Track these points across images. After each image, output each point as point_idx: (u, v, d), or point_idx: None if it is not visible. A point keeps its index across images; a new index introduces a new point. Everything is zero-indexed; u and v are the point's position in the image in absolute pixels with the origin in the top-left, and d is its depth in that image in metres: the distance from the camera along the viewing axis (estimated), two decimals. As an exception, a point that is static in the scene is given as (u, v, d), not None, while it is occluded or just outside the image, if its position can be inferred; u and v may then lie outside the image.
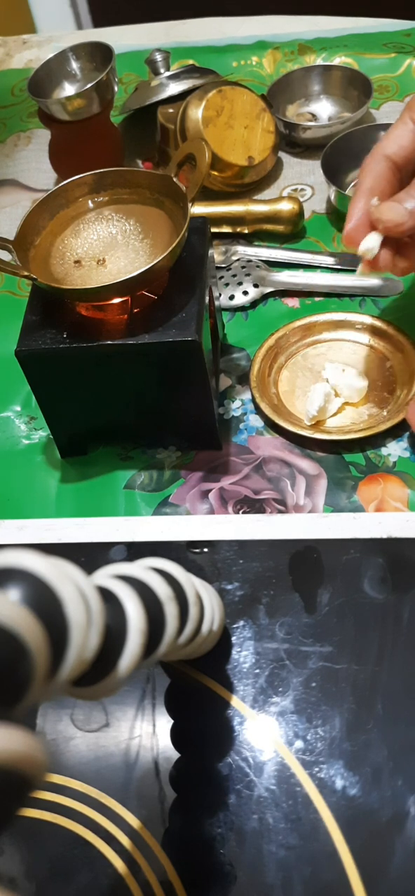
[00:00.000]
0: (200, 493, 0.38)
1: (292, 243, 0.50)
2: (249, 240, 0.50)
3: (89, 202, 0.39)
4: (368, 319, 0.43)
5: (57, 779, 0.28)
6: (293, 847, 0.26)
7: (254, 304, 0.46)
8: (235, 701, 0.29)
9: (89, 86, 0.50)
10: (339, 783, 0.27)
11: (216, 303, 0.42)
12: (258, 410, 0.40)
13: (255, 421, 0.40)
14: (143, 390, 0.38)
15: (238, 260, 0.49)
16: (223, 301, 0.46)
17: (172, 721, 0.29)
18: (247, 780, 0.27)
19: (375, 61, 0.61)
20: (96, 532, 0.35)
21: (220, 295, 0.44)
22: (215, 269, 0.43)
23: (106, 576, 0.21)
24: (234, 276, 0.48)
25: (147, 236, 0.37)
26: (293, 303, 0.46)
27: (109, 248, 0.37)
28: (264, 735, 0.28)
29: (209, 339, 0.38)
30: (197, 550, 0.34)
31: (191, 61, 0.64)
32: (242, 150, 0.51)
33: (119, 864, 0.26)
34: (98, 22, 1.38)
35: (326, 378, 0.40)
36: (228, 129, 0.51)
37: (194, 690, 0.30)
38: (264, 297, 0.47)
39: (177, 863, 0.26)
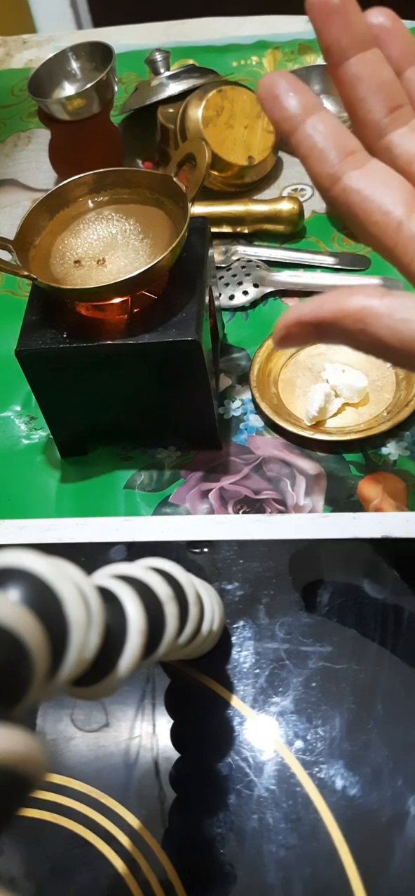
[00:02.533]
0: (200, 493, 0.38)
1: (292, 243, 0.50)
2: (249, 240, 0.50)
3: (89, 202, 0.39)
4: (368, 319, 0.43)
5: (57, 779, 0.28)
6: (293, 847, 0.26)
7: (254, 304, 0.46)
8: (235, 701, 0.29)
9: (89, 86, 0.50)
10: (339, 783, 0.27)
11: (216, 303, 0.42)
12: (258, 410, 0.40)
13: (255, 421, 0.40)
14: (143, 390, 0.38)
15: (238, 260, 0.49)
16: (223, 301, 0.46)
17: (172, 721, 0.29)
18: (247, 780, 0.27)
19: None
20: (96, 532, 0.35)
21: (220, 295, 0.44)
22: (215, 269, 0.43)
23: (106, 576, 0.21)
24: (234, 276, 0.48)
25: (147, 236, 0.37)
26: (293, 303, 0.46)
27: (108, 248, 0.37)
28: (264, 735, 0.28)
29: (209, 339, 0.38)
30: (197, 550, 0.34)
31: (191, 61, 0.64)
32: (242, 149, 0.51)
33: (119, 863, 0.26)
34: (98, 22, 1.38)
35: (326, 378, 0.40)
36: (228, 129, 0.51)
37: (194, 690, 0.30)
38: (264, 297, 0.47)
39: (177, 863, 0.26)
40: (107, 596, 0.20)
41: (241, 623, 0.31)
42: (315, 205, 0.52)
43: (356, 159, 0.24)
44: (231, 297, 0.46)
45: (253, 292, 0.46)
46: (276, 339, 0.25)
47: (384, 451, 0.38)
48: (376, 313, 0.22)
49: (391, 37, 0.25)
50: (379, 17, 0.25)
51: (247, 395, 0.42)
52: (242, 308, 0.46)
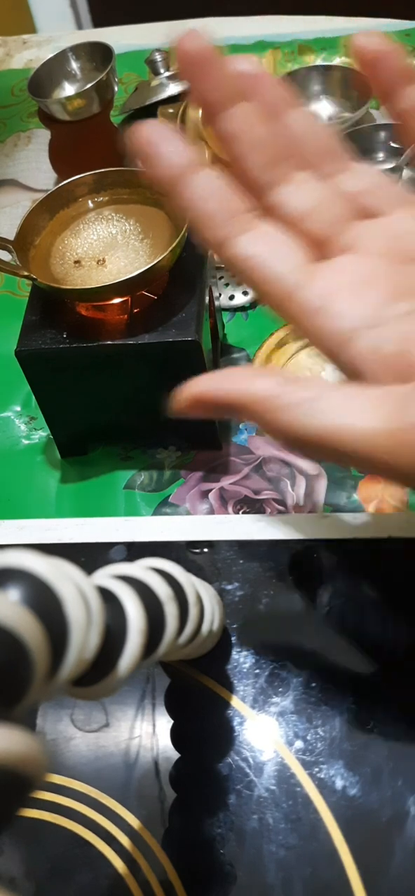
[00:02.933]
0: (200, 493, 0.38)
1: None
2: (249, 240, 0.50)
3: (89, 202, 0.39)
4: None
5: (57, 779, 0.28)
6: (293, 847, 0.26)
7: (254, 304, 0.46)
8: (235, 701, 0.29)
9: (89, 86, 0.50)
10: (339, 783, 0.27)
11: (216, 303, 0.41)
12: (258, 410, 0.40)
13: (255, 421, 0.40)
14: (143, 390, 0.38)
15: (238, 260, 0.49)
16: (223, 301, 0.46)
17: (172, 721, 0.29)
18: (247, 781, 0.27)
19: None
20: (96, 532, 0.35)
21: (220, 295, 0.44)
22: (215, 269, 0.43)
23: (106, 576, 0.21)
24: (234, 275, 0.48)
25: (147, 236, 0.37)
26: (293, 303, 0.46)
27: (108, 248, 0.37)
28: (264, 735, 0.28)
29: (209, 339, 0.38)
30: (197, 551, 0.34)
31: (191, 61, 0.64)
32: (242, 150, 0.51)
33: (119, 864, 0.26)
34: (98, 22, 1.37)
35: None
36: (228, 129, 0.51)
37: (194, 690, 0.30)
38: (264, 297, 0.47)
39: (177, 863, 0.26)
40: (107, 596, 0.20)
41: (241, 623, 0.31)
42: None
43: (245, 220, 0.22)
44: (231, 298, 0.46)
45: (253, 292, 0.46)
46: (177, 406, 0.23)
47: (384, 451, 0.38)
48: (275, 405, 0.20)
49: (260, 84, 0.23)
50: (244, 64, 0.23)
51: (247, 395, 0.42)
52: (242, 308, 0.46)
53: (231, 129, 0.22)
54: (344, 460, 0.20)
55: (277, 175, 0.23)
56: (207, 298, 0.37)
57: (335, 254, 0.22)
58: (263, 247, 0.22)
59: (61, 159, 0.56)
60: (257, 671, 0.30)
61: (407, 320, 0.20)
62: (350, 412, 0.19)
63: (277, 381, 0.20)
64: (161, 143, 0.22)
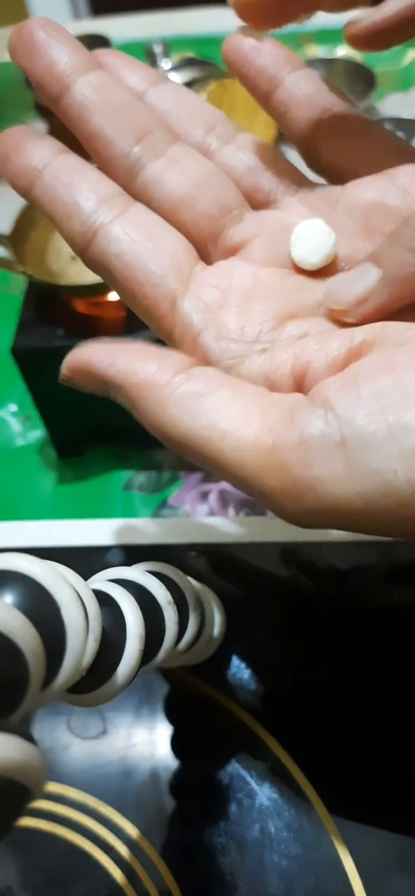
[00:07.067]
0: (199, 494, 0.38)
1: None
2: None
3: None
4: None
5: (53, 787, 0.28)
6: (295, 856, 0.25)
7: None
8: (236, 708, 0.28)
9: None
10: (342, 792, 0.26)
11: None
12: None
13: (255, 420, 0.40)
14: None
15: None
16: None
17: (171, 728, 0.29)
18: (248, 789, 0.27)
19: (378, 53, 0.60)
20: (93, 535, 0.35)
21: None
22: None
23: (103, 580, 0.21)
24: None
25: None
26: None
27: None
28: (266, 743, 0.28)
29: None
30: (197, 554, 0.33)
31: (191, 53, 0.63)
32: (241, 144, 0.50)
33: (117, 874, 0.26)
34: (95, 11, 1.36)
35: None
36: (227, 124, 0.50)
37: (194, 697, 0.29)
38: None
39: (176, 873, 0.26)
40: (104, 601, 0.19)
41: (242, 628, 0.30)
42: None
43: (115, 205, 0.18)
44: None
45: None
46: (63, 373, 0.19)
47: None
48: (162, 395, 0.16)
49: (115, 62, 0.20)
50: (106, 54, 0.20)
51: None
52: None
53: (82, 98, 0.18)
54: (216, 470, 0.16)
55: (146, 149, 0.18)
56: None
57: (217, 255, 0.19)
58: (135, 239, 0.18)
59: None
60: (259, 677, 0.29)
61: (299, 344, 0.17)
62: (232, 415, 0.15)
63: (170, 368, 0.16)
64: (19, 145, 0.19)
